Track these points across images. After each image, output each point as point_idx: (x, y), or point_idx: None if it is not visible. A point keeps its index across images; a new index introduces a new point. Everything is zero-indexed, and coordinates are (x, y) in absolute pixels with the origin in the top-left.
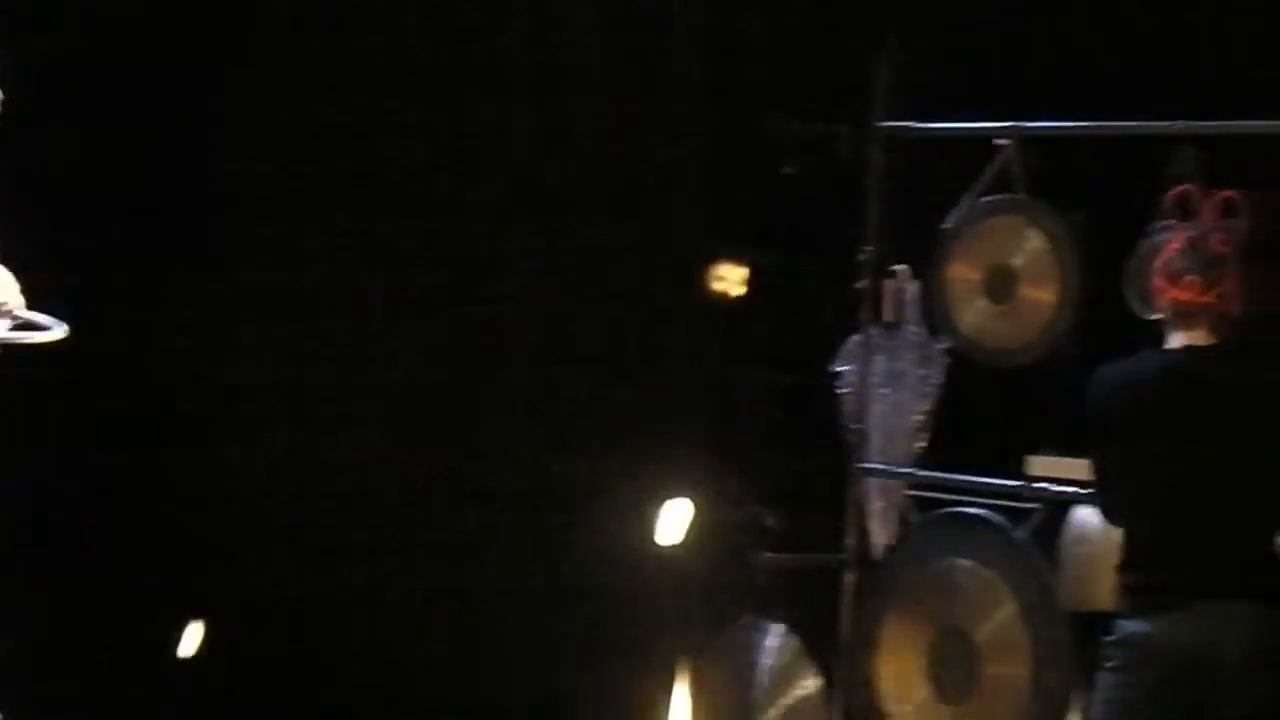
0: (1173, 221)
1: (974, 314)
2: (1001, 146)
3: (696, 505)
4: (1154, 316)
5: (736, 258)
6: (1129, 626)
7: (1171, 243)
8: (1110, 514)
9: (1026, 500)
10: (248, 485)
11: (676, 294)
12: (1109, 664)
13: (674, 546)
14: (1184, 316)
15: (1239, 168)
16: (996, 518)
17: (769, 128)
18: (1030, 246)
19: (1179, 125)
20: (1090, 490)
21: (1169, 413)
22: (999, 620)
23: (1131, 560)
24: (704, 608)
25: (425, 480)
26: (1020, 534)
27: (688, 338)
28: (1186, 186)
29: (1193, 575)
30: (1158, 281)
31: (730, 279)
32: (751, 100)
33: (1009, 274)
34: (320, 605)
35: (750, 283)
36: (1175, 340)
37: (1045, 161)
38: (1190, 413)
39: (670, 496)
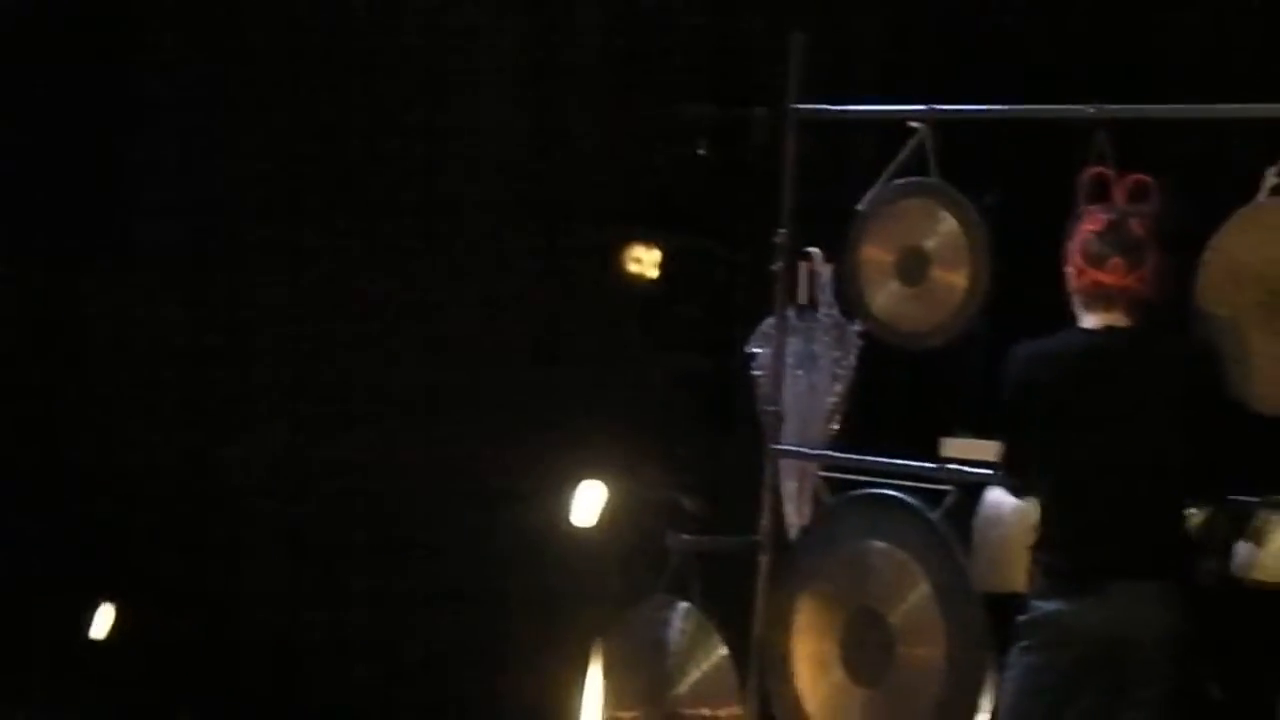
0: (1088, 203)
1: (887, 296)
2: (915, 129)
3: (611, 487)
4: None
5: (651, 241)
6: (1043, 606)
7: (1089, 223)
8: (1017, 490)
9: (940, 482)
10: (159, 472)
11: (591, 277)
12: (1022, 643)
13: (589, 528)
14: (1102, 299)
15: (1152, 152)
16: (910, 499)
17: (684, 111)
18: (943, 229)
19: (1091, 109)
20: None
21: (1088, 393)
22: (912, 601)
23: (1047, 540)
24: (619, 589)
25: (339, 464)
26: (934, 515)
27: (602, 321)
28: (1101, 169)
29: (1107, 556)
30: (1076, 262)
31: (645, 262)
32: (667, 83)
33: (921, 256)
34: (234, 588)
35: (665, 266)
36: (1091, 321)
37: (958, 145)
38: (1109, 394)
39: (585, 479)
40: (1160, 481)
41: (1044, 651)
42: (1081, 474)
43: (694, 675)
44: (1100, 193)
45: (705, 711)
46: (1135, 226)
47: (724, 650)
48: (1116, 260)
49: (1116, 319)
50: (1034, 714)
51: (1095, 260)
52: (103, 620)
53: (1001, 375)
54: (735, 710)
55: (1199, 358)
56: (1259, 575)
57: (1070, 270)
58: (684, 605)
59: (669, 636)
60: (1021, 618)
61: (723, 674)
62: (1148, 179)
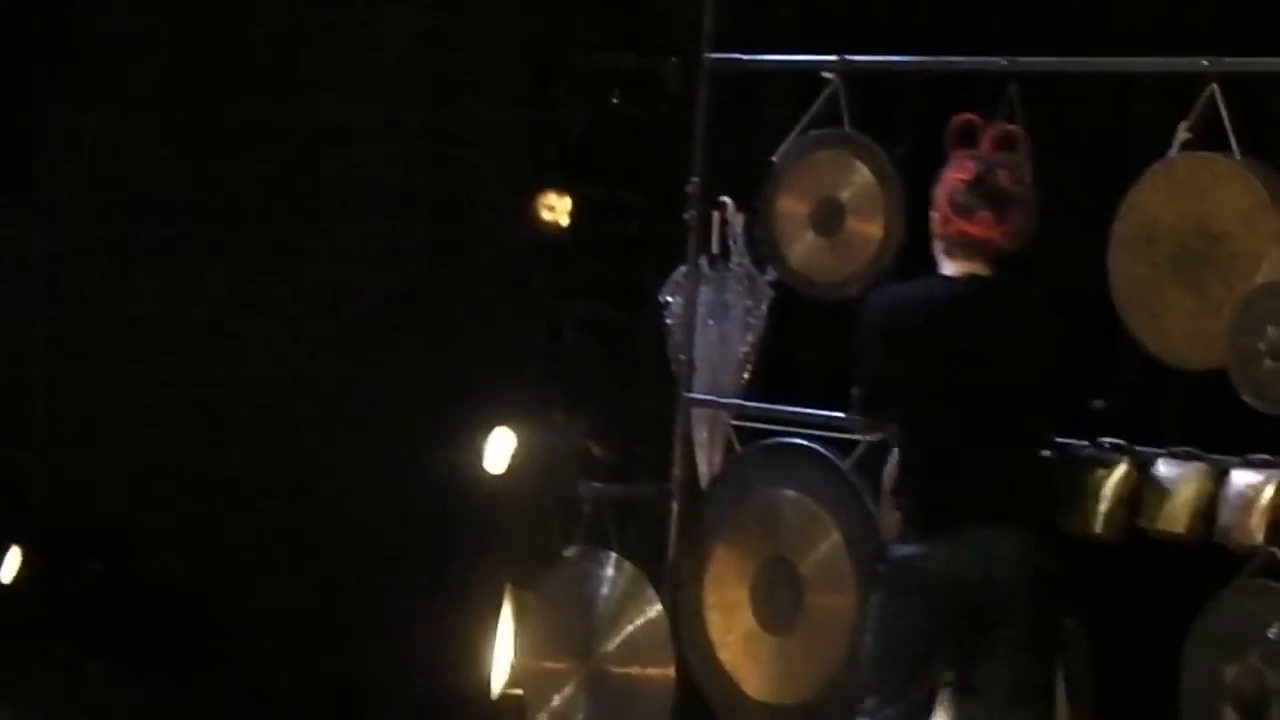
0: (952, 148)
1: (802, 247)
2: (828, 80)
3: (523, 435)
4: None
5: (563, 190)
6: (904, 550)
7: (955, 170)
8: (868, 428)
9: (851, 432)
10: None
11: (503, 226)
12: (881, 587)
13: (499, 476)
14: (965, 248)
15: (1063, 104)
16: (821, 449)
17: (596, 60)
18: (857, 180)
19: (1003, 61)
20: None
21: (946, 340)
22: (823, 550)
23: (904, 484)
24: (530, 537)
25: (246, 409)
26: (844, 465)
27: (514, 269)
28: (970, 116)
29: (960, 500)
30: (942, 210)
31: (556, 210)
32: (579, 33)
33: (836, 207)
34: (147, 533)
35: (576, 214)
36: (952, 269)
37: (871, 95)
38: (966, 341)
39: (496, 426)
40: (1019, 427)
41: (904, 598)
42: (936, 419)
43: (626, 631)
44: (968, 140)
45: (635, 669)
46: (1003, 178)
47: (658, 607)
48: (984, 213)
49: (978, 268)
50: (901, 662)
51: (962, 211)
52: (9, 565)
53: (860, 319)
54: (667, 671)
55: (1057, 305)
56: (1165, 525)
57: (935, 217)
58: (615, 557)
59: (598, 589)
60: (880, 565)
61: (657, 630)
62: (1016, 128)
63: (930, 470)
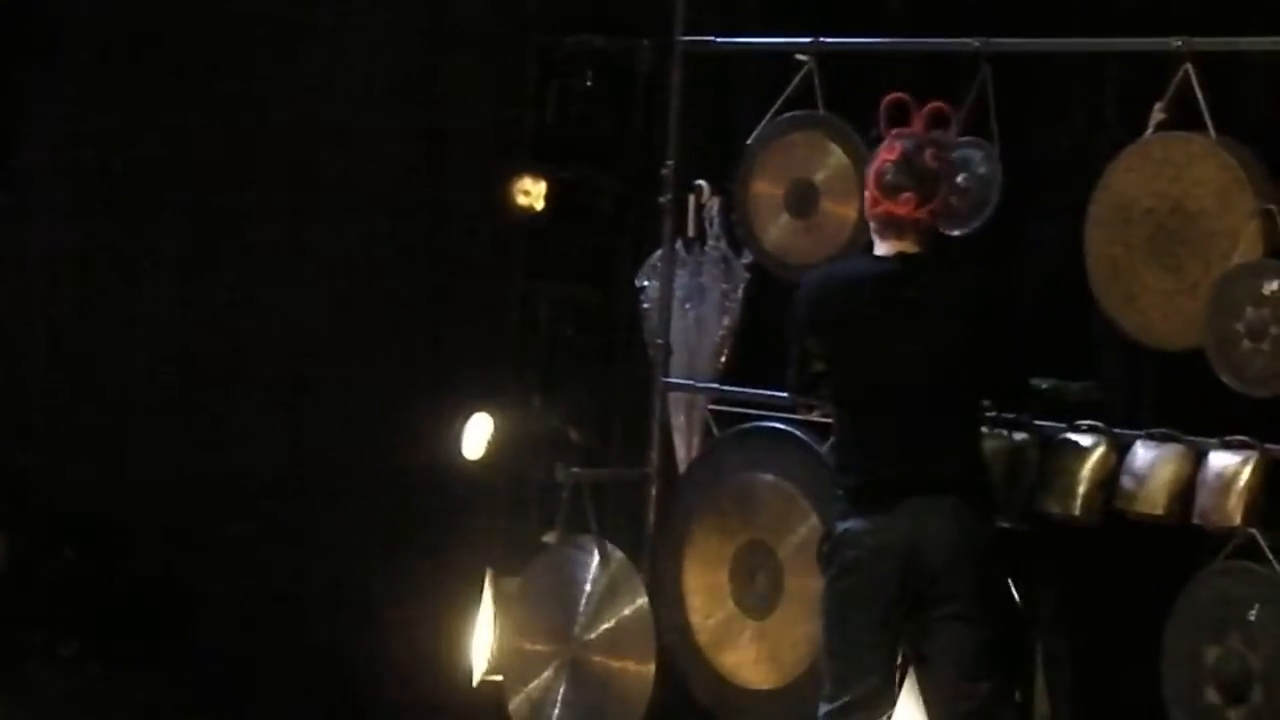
0: (884, 129)
1: (777, 229)
2: (802, 62)
3: (500, 420)
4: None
5: (538, 173)
6: (843, 525)
7: (884, 152)
8: (800, 407)
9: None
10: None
11: (478, 209)
12: (830, 571)
13: (477, 461)
14: (894, 227)
15: (1037, 86)
16: (799, 433)
17: (570, 42)
18: (831, 162)
19: (976, 43)
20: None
21: (875, 317)
22: (801, 535)
23: (844, 462)
24: (508, 522)
25: (223, 401)
26: (822, 449)
27: (489, 253)
28: (900, 95)
29: (896, 475)
30: (872, 191)
31: (531, 194)
32: (553, 15)
33: (811, 189)
34: (126, 523)
35: (551, 198)
36: (883, 248)
37: (845, 77)
38: (896, 318)
39: (473, 411)
40: (947, 401)
41: (849, 575)
42: (869, 395)
43: (611, 621)
44: (900, 119)
45: (615, 659)
46: (929, 158)
47: (644, 598)
48: (909, 194)
49: (907, 246)
50: (852, 641)
51: (889, 191)
52: None
53: (792, 299)
54: (648, 664)
55: (985, 280)
56: (1143, 507)
57: (866, 197)
58: (604, 544)
59: (585, 576)
60: (824, 544)
61: (640, 624)
62: (945, 106)
63: (864, 445)
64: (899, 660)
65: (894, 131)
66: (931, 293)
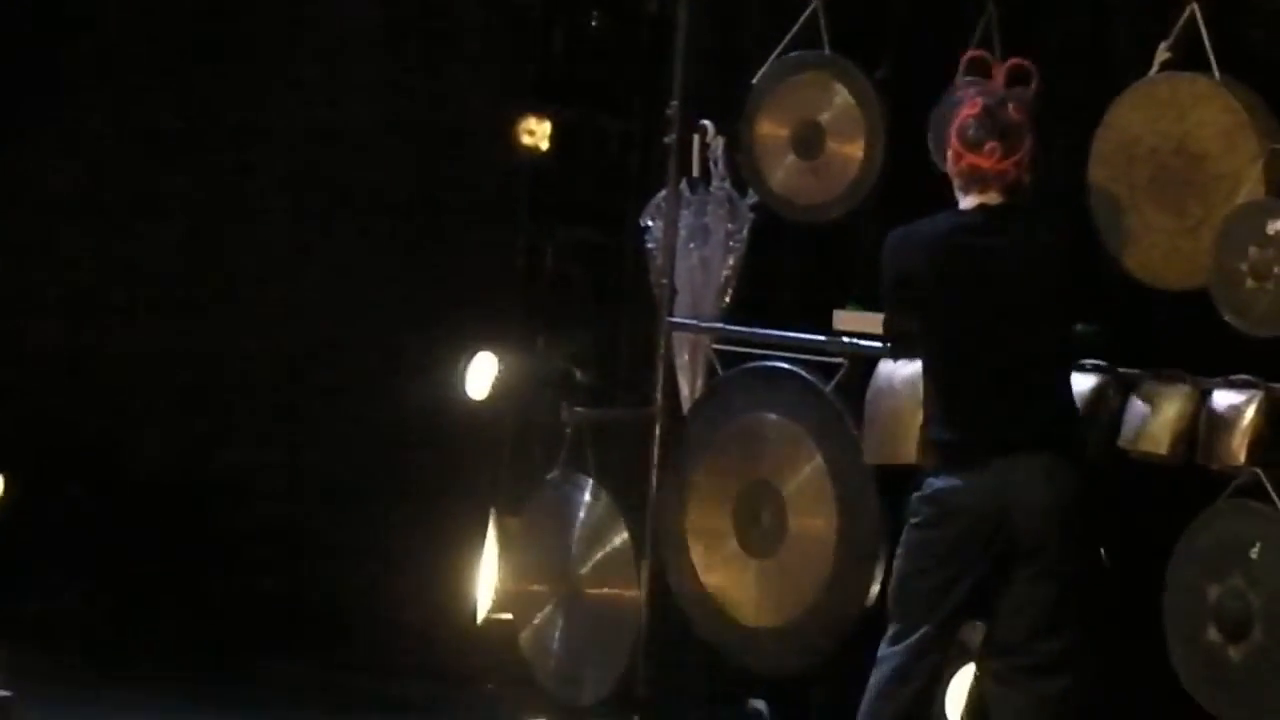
0: (968, 84)
1: (782, 170)
2: (808, 1)
3: (505, 360)
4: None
5: (543, 113)
6: (935, 483)
7: (967, 107)
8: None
9: (833, 355)
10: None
11: (483, 150)
12: (914, 519)
13: (482, 401)
14: (978, 181)
15: (1043, 27)
16: (803, 372)
17: None
18: (837, 102)
19: None
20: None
21: (959, 274)
22: (805, 474)
23: (932, 418)
24: (514, 461)
25: (241, 336)
26: (826, 388)
27: (495, 194)
28: (980, 51)
29: (989, 432)
30: (955, 145)
31: (536, 135)
32: None
33: (816, 130)
34: (129, 457)
35: (557, 138)
36: (966, 202)
37: (851, 17)
38: (980, 273)
39: (478, 351)
40: (1037, 355)
41: (934, 528)
42: (958, 352)
43: (598, 555)
44: (980, 74)
45: (607, 590)
46: (1012, 110)
47: (625, 535)
48: (993, 144)
49: (991, 198)
50: (924, 588)
51: (972, 144)
52: None
53: (880, 260)
54: (632, 592)
55: (1070, 230)
56: (1147, 446)
57: (949, 154)
58: (592, 483)
59: (576, 514)
60: (916, 494)
61: (624, 557)
62: (1027, 62)
63: (953, 401)
64: (960, 615)
65: (972, 88)
66: (1015, 244)
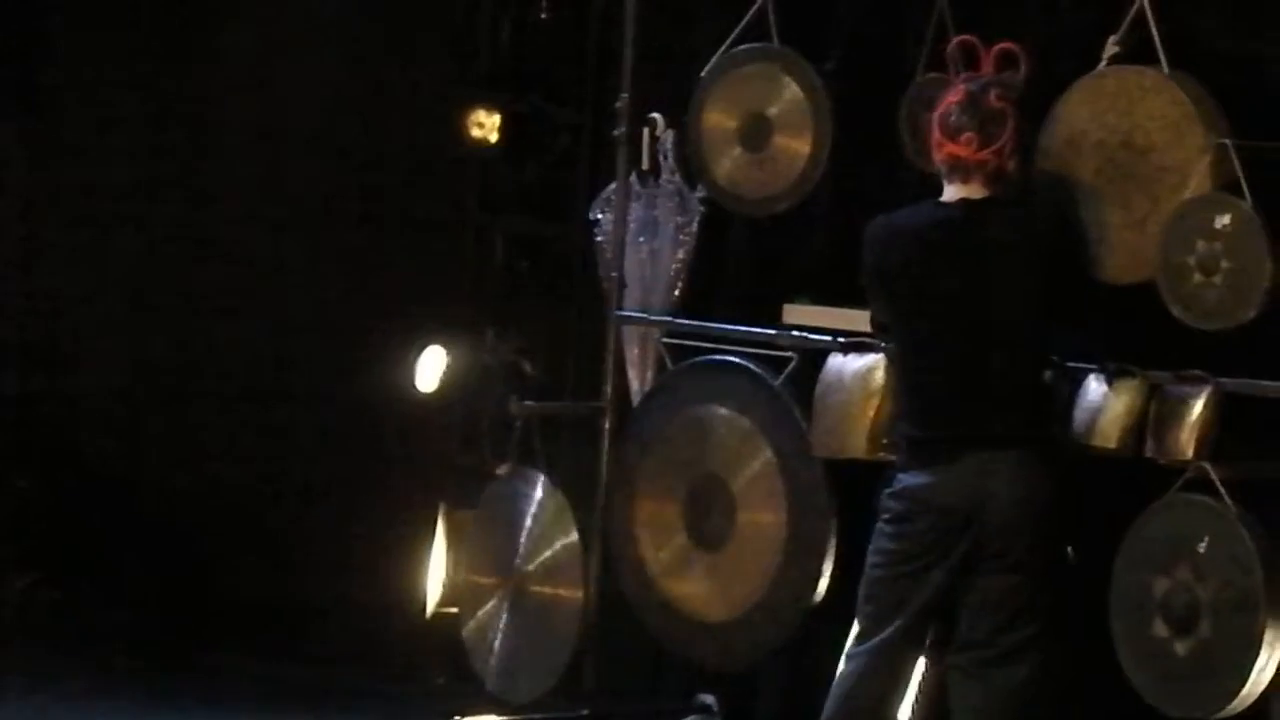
0: (953, 72)
1: (730, 162)
2: None
3: (453, 353)
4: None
5: (492, 105)
6: (905, 479)
7: (950, 94)
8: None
9: (782, 348)
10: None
11: (430, 141)
12: (884, 516)
13: (431, 394)
14: (960, 171)
15: (994, 18)
16: (753, 366)
17: None
18: (785, 95)
19: None
20: (843, 339)
21: (935, 268)
22: (755, 468)
23: (906, 412)
24: (462, 454)
25: (179, 333)
26: (776, 382)
27: (443, 186)
28: (968, 37)
29: (960, 427)
30: (935, 135)
31: (486, 127)
32: None
33: (764, 123)
34: (83, 452)
35: (506, 130)
36: (949, 193)
37: (800, 10)
38: (957, 267)
39: (427, 344)
40: (1011, 350)
41: (903, 523)
42: (931, 347)
43: (545, 554)
44: (968, 61)
45: (550, 589)
46: (994, 98)
47: (574, 534)
48: (970, 134)
49: (973, 190)
50: (894, 585)
51: (951, 132)
52: None
53: (861, 248)
54: (577, 593)
55: (1049, 222)
56: (1096, 440)
57: (931, 142)
58: (544, 480)
59: (527, 509)
60: (886, 490)
61: (572, 556)
62: (1015, 47)
63: (925, 396)
64: (928, 612)
65: (962, 75)
66: (990, 238)
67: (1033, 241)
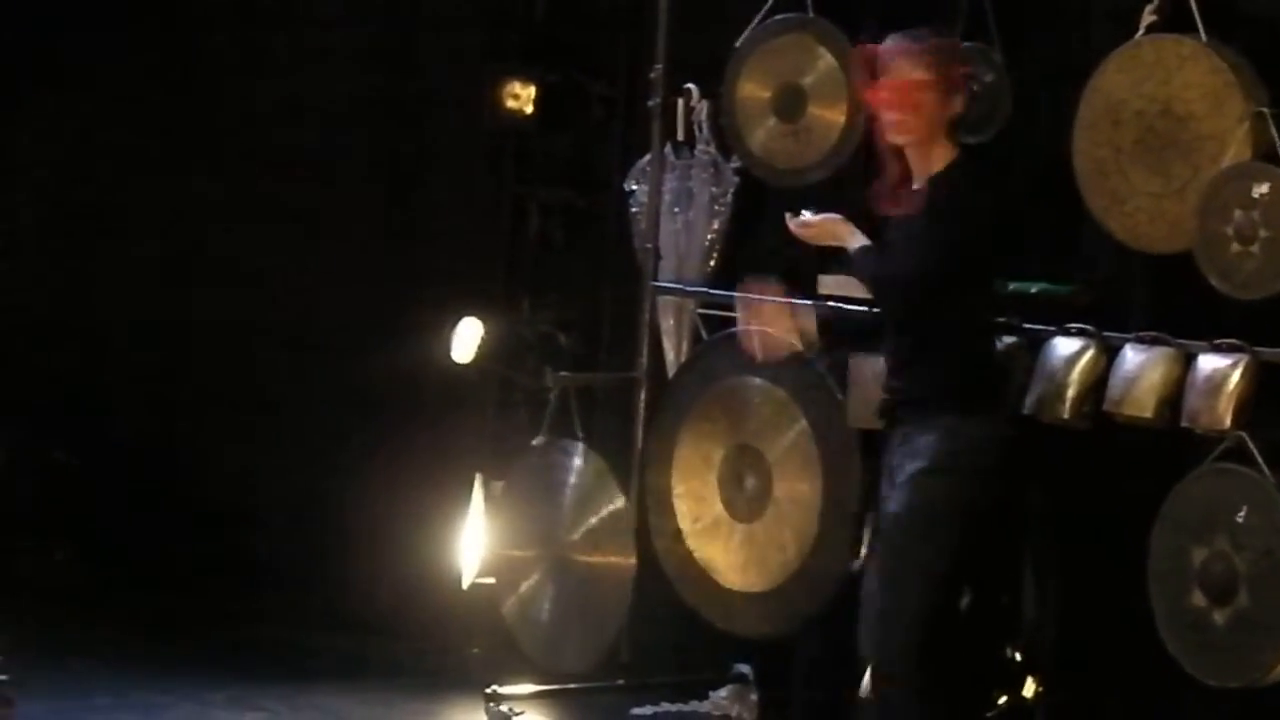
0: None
1: (765, 133)
2: None
3: (489, 325)
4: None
5: (527, 77)
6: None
7: None
8: None
9: None
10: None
11: (467, 114)
12: None
13: (466, 365)
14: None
15: None
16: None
17: None
18: (820, 66)
19: None
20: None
21: (888, 238)
22: (790, 438)
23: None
24: (498, 425)
25: (223, 300)
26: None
27: (479, 158)
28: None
29: (893, 391)
30: None
31: (521, 99)
32: None
33: (799, 93)
34: (114, 426)
35: (541, 102)
36: None
37: None
38: (900, 238)
39: (462, 315)
40: (930, 317)
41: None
42: (887, 314)
43: (590, 521)
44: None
45: (598, 558)
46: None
47: (620, 500)
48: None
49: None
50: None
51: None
52: None
53: None
54: (629, 560)
55: (990, 191)
56: (1132, 410)
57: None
58: (583, 447)
59: (566, 479)
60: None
61: (619, 523)
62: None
63: (888, 362)
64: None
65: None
66: (932, 208)
67: (949, 205)
